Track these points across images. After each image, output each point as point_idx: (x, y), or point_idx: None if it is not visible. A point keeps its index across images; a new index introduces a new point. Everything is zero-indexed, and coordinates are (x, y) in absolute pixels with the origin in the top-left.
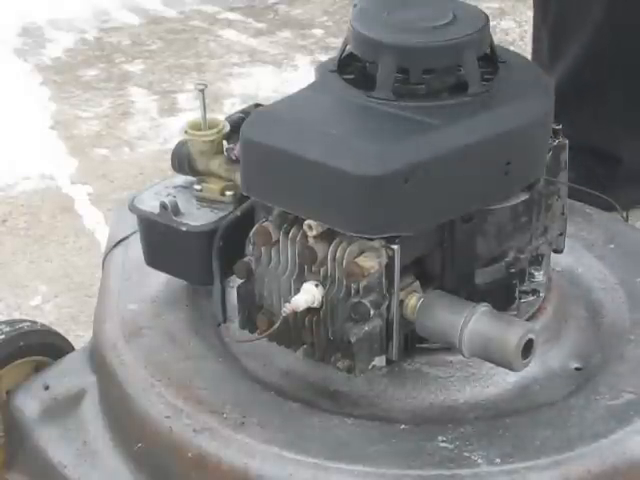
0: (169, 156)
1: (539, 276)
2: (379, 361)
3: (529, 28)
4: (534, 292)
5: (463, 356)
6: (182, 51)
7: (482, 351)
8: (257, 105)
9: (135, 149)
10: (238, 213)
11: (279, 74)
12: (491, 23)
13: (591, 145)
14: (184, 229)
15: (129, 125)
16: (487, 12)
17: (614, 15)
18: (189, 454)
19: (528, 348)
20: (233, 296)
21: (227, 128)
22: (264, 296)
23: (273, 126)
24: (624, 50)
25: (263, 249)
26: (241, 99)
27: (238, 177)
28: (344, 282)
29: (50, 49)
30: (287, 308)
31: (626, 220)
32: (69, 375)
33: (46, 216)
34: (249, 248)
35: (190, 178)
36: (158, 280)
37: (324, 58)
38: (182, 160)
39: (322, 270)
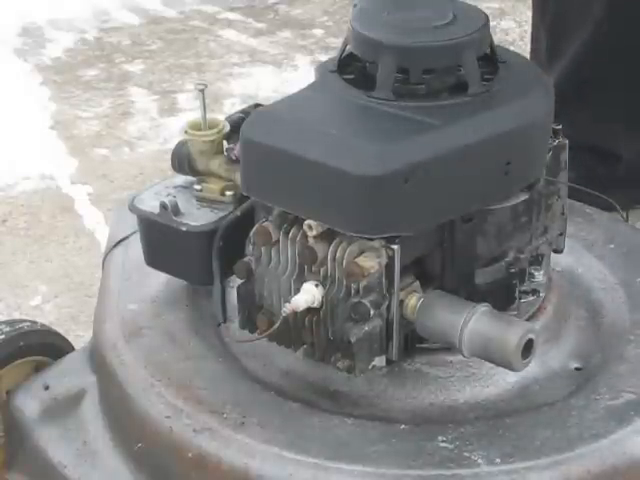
0: (169, 156)
1: (539, 276)
2: (379, 361)
3: (529, 28)
4: (534, 292)
5: (463, 356)
6: (182, 51)
7: (482, 351)
8: (257, 105)
9: (135, 149)
10: (238, 213)
11: (279, 74)
12: (491, 23)
13: (591, 145)
14: (184, 229)
15: (129, 125)
16: (487, 12)
17: (614, 13)
18: (189, 454)
19: (528, 348)
20: (233, 296)
21: (227, 128)
22: (264, 296)
23: (273, 126)
24: (624, 48)
25: (263, 249)
26: (241, 99)
27: (238, 177)
28: (344, 282)
29: (50, 49)
30: (287, 308)
31: (626, 220)
32: (69, 375)
33: (46, 216)
34: (249, 248)
35: (190, 178)
36: (158, 280)
37: (324, 58)
38: (182, 160)
39: (322, 270)
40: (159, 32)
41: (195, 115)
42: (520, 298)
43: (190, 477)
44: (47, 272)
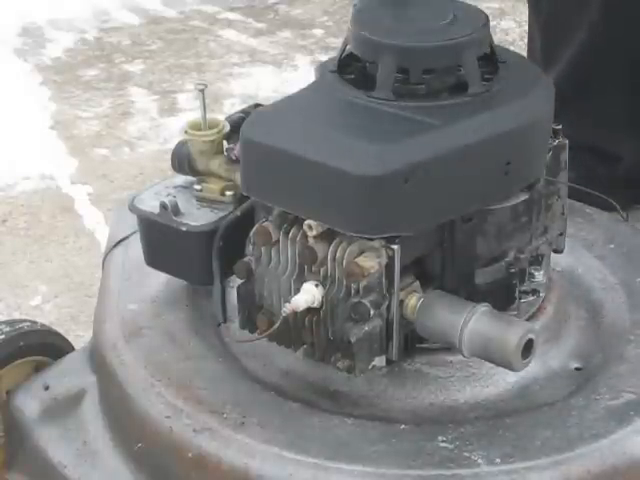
0: (169, 156)
1: (539, 276)
2: (379, 361)
3: None
4: (534, 292)
5: (463, 356)
6: (182, 51)
7: (482, 351)
8: (257, 105)
9: (135, 149)
10: (238, 213)
11: (279, 74)
12: (491, 23)
13: (591, 145)
14: (184, 229)
15: (129, 125)
16: (487, 12)
17: (610, 13)
18: (189, 454)
19: (528, 348)
20: (233, 296)
21: (227, 128)
22: (264, 296)
23: (273, 126)
24: (621, 48)
25: (263, 249)
26: (241, 99)
27: (238, 177)
28: (344, 282)
29: (50, 49)
30: (287, 308)
31: (626, 220)
32: (69, 375)
33: (46, 216)
34: (249, 248)
35: (190, 178)
36: (158, 280)
37: (324, 58)
38: (182, 160)
39: (322, 270)
40: (159, 32)
41: (195, 115)
42: (520, 298)
43: (190, 477)
44: (47, 272)
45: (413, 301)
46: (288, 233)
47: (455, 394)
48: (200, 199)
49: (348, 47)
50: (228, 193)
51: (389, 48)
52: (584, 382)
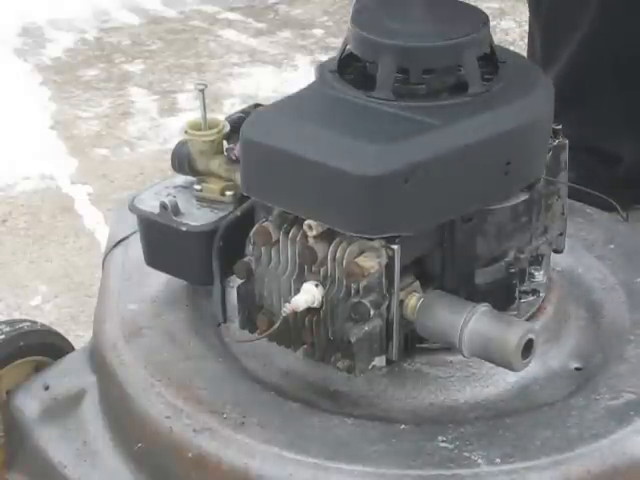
0: (169, 156)
1: (539, 276)
2: (379, 361)
3: None
4: (534, 292)
5: (463, 356)
6: (182, 51)
7: (482, 351)
8: (257, 105)
9: (135, 149)
10: (238, 213)
11: (279, 74)
12: (491, 23)
13: (591, 145)
14: (184, 229)
15: (129, 125)
16: (487, 12)
17: (610, 11)
18: (189, 454)
19: (528, 348)
20: (233, 296)
21: (227, 128)
22: (264, 296)
23: (273, 126)
24: (620, 48)
25: (263, 249)
26: (241, 99)
27: (238, 177)
28: (344, 282)
29: (50, 49)
30: (287, 308)
31: (626, 220)
32: (69, 375)
33: (46, 216)
34: (249, 248)
35: (190, 178)
36: (158, 280)
37: (324, 58)
38: (182, 160)
39: (322, 270)
40: (159, 32)
41: (195, 115)
42: (520, 298)
43: (190, 477)
44: (47, 272)
45: (413, 301)
46: (288, 233)
47: (455, 394)
48: (200, 199)
49: (348, 47)
50: (228, 193)
51: (389, 48)
52: (584, 382)
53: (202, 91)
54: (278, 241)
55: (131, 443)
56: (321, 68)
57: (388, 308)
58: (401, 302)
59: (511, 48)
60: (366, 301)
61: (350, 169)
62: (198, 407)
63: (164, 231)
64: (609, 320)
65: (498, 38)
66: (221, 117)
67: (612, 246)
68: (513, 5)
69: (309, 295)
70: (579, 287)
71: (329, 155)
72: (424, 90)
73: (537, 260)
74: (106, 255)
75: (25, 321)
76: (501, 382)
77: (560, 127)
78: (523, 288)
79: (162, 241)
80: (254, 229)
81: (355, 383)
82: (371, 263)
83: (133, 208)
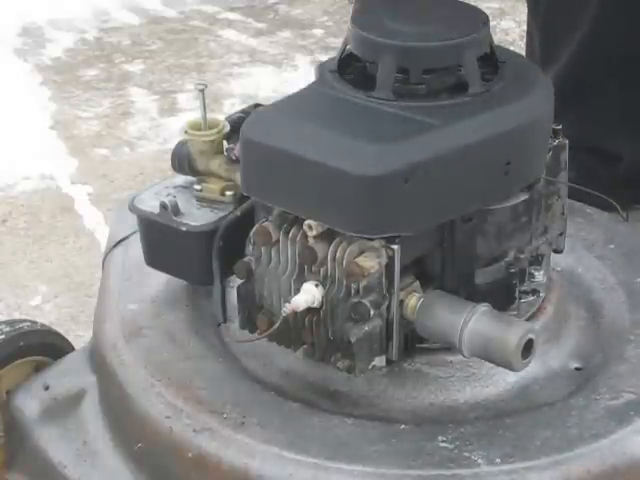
0: (169, 156)
1: (539, 276)
2: (379, 361)
3: None
4: (534, 292)
5: (463, 356)
6: (182, 51)
7: (482, 351)
8: (257, 105)
9: (135, 149)
10: (238, 213)
11: (279, 74)
12: (491, 23)
13: (591, 145)
14: (184, 229)
15: (129, 125)
16: (487, 12)
17: (609, 11)
18: (189, 454)
19: (528, 348)
20: (233, 296)
21: (227, 128)
22: (264, 296)
23: (273, 126)
24: (621, 46)
25: (263, 249)
26: (241, 99)
27: (238, 177)
28: (344, 282)
29: (50, 49)
30: (287, 308)
31: (626, 220)
32: (69, 375)
33: (46, 216)
34: (249, 248)
35: (190, 178)
36: (158, 280)
37: (324, 58)
38: (182, 160)
39: (322, 270)
40: (159, 32)
41: (195, 115)
42: (520, 298)
43: (190, 477)
44: (47, 272)
45: (413, 301)
46: (288, 233)
47: (455, 394)
48: (200, 199)
49: (348, 47)
50: (228, 193)
51: (389, 48)
52: (584, 382)
53: (202, 91)
54: (278, 241)
55: (131, 443)
56: (321, 68)
57: (388, 308)
58: (401, 302)
59: (511, 48)
60: (366, 301)
61: (350, 169)
62: (198, 407)
63: (164, 231)
64: (609, 320)
65: (498, 38)
66: (221, 117)
67: (612, 246)
68: (513, 5)
69: (309, 295)
70: (579, 287)
71: (329, 155)
72: (424, 90)
73: (537, 260)
74: (106, 255)
75: (25, 321)
76: (501, 382)
77: (560, 127)
78: (523, 288)
79: (162, 241)
80: (254, 229)
81: (355, 383)
82: (371, 263)
83: (133, 208)
